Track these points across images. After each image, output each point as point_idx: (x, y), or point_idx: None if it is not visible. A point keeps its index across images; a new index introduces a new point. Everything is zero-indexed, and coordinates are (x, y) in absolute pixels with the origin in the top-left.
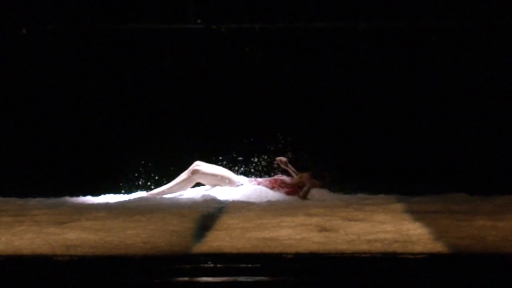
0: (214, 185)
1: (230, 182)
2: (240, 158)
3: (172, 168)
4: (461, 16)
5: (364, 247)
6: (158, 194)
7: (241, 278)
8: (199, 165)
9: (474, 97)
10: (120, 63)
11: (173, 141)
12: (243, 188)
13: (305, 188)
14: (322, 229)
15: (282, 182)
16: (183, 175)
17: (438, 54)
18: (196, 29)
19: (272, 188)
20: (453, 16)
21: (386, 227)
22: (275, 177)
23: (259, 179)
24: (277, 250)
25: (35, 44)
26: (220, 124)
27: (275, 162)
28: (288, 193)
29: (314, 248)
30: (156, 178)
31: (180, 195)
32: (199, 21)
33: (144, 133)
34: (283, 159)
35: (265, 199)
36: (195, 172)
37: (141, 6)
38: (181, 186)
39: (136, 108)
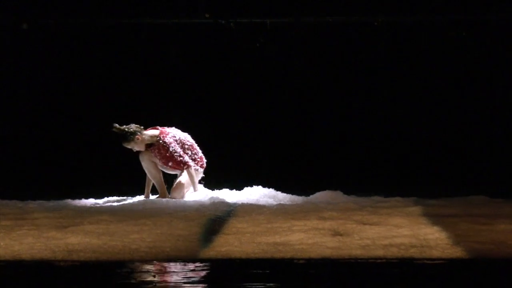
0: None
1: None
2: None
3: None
4: (480, 9)
5: (379, 252)
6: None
7: (251, 285)
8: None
9: (497, 95)
10: (126, 59)
11: None
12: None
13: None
14: (336, 233)
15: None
16: None
17: (457, 49)
18: (204, 24)
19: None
20: (472, 9)
21: (403, 231)
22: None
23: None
24: (288, 255)
25: (37, 39)
26: (228, 119)
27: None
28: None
29: (327, 253)
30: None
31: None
32: (207, 15)
33: None
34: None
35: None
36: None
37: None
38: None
39: (141, 105)
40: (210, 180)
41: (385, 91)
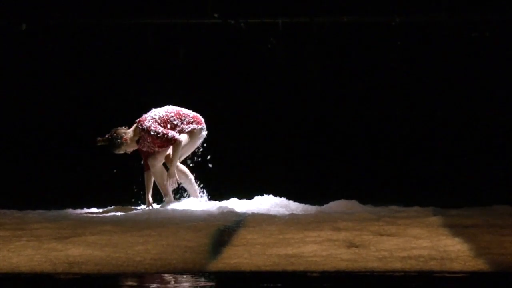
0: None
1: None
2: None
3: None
4: (503, 9)
5: (397, 265)
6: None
7: None
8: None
9: None
10: (133, 60)
11: None
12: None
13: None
14: (351, 245)
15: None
16: None
17: (480, 51)
18: (213, 24)
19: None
20: (495, 9)
21: (422, 242)
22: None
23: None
24: (301, 268)
25: (36, 40)
26: (237, 124)
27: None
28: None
29: (342, 266)
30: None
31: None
32: (216, 15)
33: None
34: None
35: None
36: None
37: None
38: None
39: (149, 108)
40: (219, 189)
41: (403, 96)
